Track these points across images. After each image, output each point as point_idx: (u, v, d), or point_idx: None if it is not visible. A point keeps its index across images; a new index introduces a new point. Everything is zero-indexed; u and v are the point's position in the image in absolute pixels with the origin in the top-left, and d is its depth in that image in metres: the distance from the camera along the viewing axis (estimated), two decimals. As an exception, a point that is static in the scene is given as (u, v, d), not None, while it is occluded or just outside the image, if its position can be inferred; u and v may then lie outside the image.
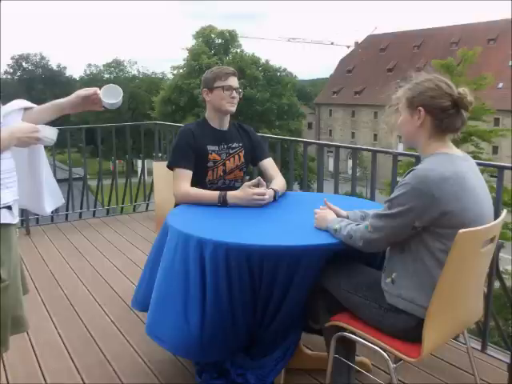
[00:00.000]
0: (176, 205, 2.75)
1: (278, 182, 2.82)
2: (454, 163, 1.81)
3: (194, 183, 2.72)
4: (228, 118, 2.87)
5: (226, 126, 2.87)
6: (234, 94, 2.76)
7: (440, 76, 1.90)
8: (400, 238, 1.85)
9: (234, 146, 2.85)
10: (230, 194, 2.56)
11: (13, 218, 1.82)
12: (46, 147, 2.08)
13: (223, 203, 2.54)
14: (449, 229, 1.75)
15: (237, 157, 2.86)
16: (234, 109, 2.79)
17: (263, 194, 2.54)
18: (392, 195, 1.84)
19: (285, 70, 40.60)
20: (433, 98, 1.83)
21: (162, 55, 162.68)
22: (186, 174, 2.71)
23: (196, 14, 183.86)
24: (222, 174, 2.81)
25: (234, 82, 2.77)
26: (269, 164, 2.93)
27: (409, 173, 1.81)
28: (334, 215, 2.20)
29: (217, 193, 2.57)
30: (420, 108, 1.85)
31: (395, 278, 1.86)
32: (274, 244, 2.06)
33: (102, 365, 2.64)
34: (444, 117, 1.84)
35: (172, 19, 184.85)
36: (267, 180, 2.84)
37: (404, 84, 1.94)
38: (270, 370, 2.31)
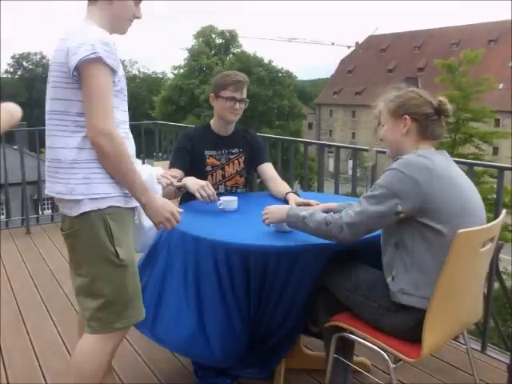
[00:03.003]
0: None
1: (284, 185, 2.80)
2: (435, 156, 1.88)
3: None
4: (233, 123, 2.88)
5: (229, 132, 2.89)
6: (237, 105, 2.76)
7: (417, 88, 2.01)
8: (382, 224, 1.86)
9: (234, 151, 2.87)
10: (189, 182, 2.55)
11: (129, 203, 1.84)
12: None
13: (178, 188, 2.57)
14: (437, 218, 1.78)
15: (236, 162, 2.87)
16: (235, 118, 2.81)
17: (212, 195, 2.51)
18: (377, 180, 1.87)
19: (286, 70, 40.65)
20: (417, 106, 1.93)
21: (162, 55, 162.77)
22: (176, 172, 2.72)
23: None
24: (220, 178, 2.83)
25: (239, 93, 2.76)
26: (268, 167, 2.92)
27: (395, 161, 1.87)
28: (285, 210, 2.09)
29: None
30: (406, 116, 1.93)
31: (394, 275, 1.87)
32: (273, 244, 2.06)
33: (102, 364, 2.64)
34: (428, 123, 1.93)
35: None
36: (266, 181, 2.87)
37: (381, 99, 2.01)
38: (264, 369, 2.35)
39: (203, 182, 2.53)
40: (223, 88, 2.75)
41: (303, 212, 2.01)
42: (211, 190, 2.51)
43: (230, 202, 2.52)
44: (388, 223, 1.86)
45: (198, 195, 2.49)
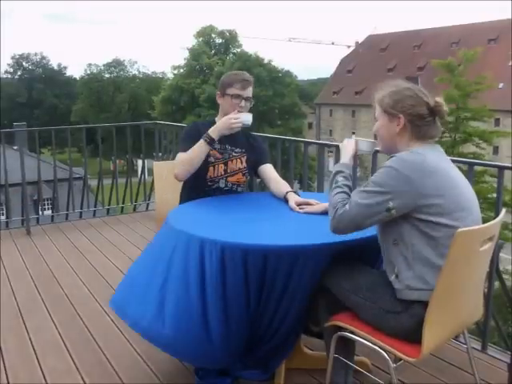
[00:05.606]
0: (180, 203, 2.80)
1: (285, 185, 2.82)
2: (427, 151, 1.88)
3: (195, 178, 2.77)
4: None
5: (233, 130, 2.90)
6: (243, 103, 2.82)
7: (416, 85, 1.98)
8: (373, 221, 1.84)
9: (237, 150, 2.90)
10: (211, 129, 2.71)
11: None
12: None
13: (210, 140, 2.70)
14: (433, 213, 1.78)
15: (239, 160, 2.90)
16: None
17: (237, 116, 2.69)
18: (371, 177, 1.88)
19: (286, 70, 40.69)
20: (413, 106, 1.91)
21: (162, 55, 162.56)
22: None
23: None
24: (222, 172, 2.84)
25: (245, 91, 2.82)
26: (269, 168, 2.97)
27: (389, 159, 1.88)
28: (352, 152, 2.14)
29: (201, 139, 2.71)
30: (400, 115, 1.92)
31: (398, 273, 1.87)
32: (273, 244, 2.05)
33: (102, 364, 2.64)
34: (422, 124, 1.92)
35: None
36: (267, 182, 2.91)
37: (379, 91, 1.99)
38: (265, 371, 2.34)
39: (226, 121, 2.70)
40: (230, 86, 2.81)
41: (341, 178, 2.00)
42: (235, 117, 2.69)
43: (245, 115, 2.74)
44: (379, 220, 1.85)
45: (238, 126, 2.70)
